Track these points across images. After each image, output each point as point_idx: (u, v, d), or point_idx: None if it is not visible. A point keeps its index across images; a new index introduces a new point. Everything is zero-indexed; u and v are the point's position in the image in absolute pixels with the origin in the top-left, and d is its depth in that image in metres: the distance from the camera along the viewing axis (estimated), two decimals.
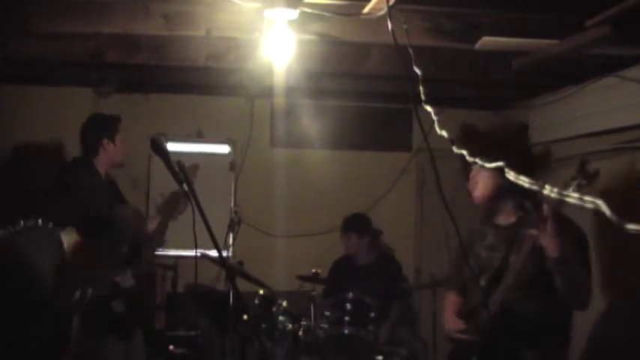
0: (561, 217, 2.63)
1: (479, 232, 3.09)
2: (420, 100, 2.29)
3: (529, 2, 3.12)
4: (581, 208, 1.44)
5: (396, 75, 3.98)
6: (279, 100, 5.33)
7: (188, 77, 4.73)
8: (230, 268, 4.33)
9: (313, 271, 4.86)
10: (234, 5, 3.08)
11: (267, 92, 4.79)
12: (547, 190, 1.54)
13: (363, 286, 4.57)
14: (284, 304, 4.55)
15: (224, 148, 5.60)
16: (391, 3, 2.68)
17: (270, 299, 4.59)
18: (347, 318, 4.39)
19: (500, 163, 1.76)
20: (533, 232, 2.61)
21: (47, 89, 5.05)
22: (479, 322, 2.88)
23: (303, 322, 4.50)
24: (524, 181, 1.62)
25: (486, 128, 3.04)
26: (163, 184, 4.81)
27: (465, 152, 1.98)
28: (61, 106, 5.05)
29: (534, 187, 1.57)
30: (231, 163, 5.56)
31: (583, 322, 3.10)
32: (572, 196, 1.59)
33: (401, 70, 2.49)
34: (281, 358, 4.40)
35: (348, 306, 4.41)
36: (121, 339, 3.64)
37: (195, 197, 2.19)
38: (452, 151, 2.02)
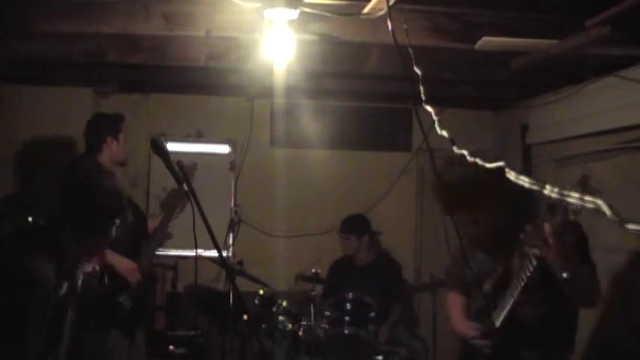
0: (564, 231, 2.58)
1: None
2: (420, 100, 2.29)
3: (529, 2, 3.12)
4: (582, 208, 1.44)
5: (396, 75, 3.98)
6: (279, 100, 5.33)
7: (188, 77, 4.73)
8: (230, 268, 4.33)
9: (313, 271, 4.86)
10: (234, 5, 3.07)
11: (267, 92, 4.79)
12: (547, 191, 1.53)
13: (363, 286, 4.57)
14: (284, 304, 4.55)
15: (224, 148, 5.60)
16: (391, 3, 2.68)
17: (270, 299, 4.59)
18: (347, 318, 4.40)
19: (500, 163, 1.75)
20: (536, 251, 2.58)
21: (47, 89, 5.05)
22: (487, 326, 2.86)
23: (303, 322, 4.51)
24: (524, 181, 1.62)
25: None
26: (163, 183, 4.84)
27: (465, 152, 1.98)
28: (62, 106, 5.05)
29: (534, 187, 1.57)
30: (231, 163, 5.56)
31: (583, 323, 3.08)
32: (572, 196, 1.58)
33: (401, 70, 2.48)
34: (281, 358, 4.41)
35: (348, 306, 4.42)
36: (126, 335, 3.65)
37: (195, 197, 2.19)
38: (452, 151, 2.02)
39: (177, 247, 4.77)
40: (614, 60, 3.77)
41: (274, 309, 4.51)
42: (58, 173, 3.88)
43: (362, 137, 5.80)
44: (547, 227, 2.50)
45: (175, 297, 5.00)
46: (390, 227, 5.48)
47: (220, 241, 2.44)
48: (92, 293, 3.50)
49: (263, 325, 4.46)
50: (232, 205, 5.31)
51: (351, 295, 4.45)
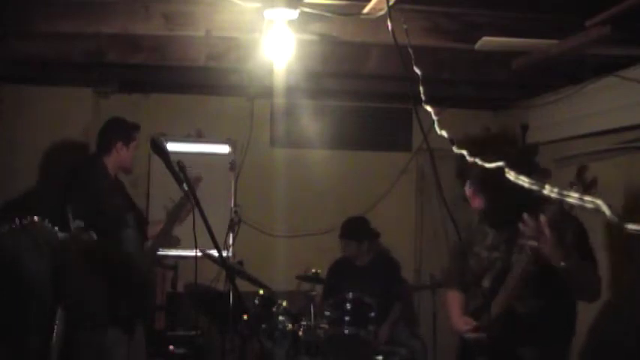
0: (560, 222, 2.60)
1: (479, 232, 3.08)
2: (420, 100, 2.29)
3: (529, 2, 3.12)
4: (581, 208, 1.44)
5: (396, 75, 3.97)
6: (279, 100, 5.33)
7: (188, 77, 4.73)
8: (230, 268, 4.33)
9: (313, 271, 4.87)
10: (234, 5, 3.07)
11: (267, 92, 4.79)
12: (547, 190, 1.53)
13: (363, 286, 4.57)
14: (284, 304, 4.55)
15: (224, 148, 5.60)
16: (391, 3, 2.68)
17: (270, 299, 4.60)
18: (347, 318, 4.40)
19: (500, 163, 1.76)
20: (533, 243, 2.59)
21: (47, 89, 5.04)
22: (485, 321, 2.86)
23: (303, 322, 4.51)
24: (524, 181, 1.62)
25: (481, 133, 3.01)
26: (163, 184, 4.83)
27: (464, 152, 1.98)
28: (62, 106, 5.04)
29: (534, 187, 1.57)
30: (231, 163, 5.56)
31: (583, 322, 3.08)
32: (572, 196, 1.58)
33: (401, 70, 2.48)
34: (281, 358, 4.41)
35: (348, 306, 4.42)
36: (125, 333, 3.64)
37: (195, 197, 2.19)
38: (452, 151, 2.02)
39: (177, 247, 4.76)
40: (614, 60, 3.77)
41: (274, 309, 4.51)
42: (60, 174, 3.88)
43: (362, 137, 5.80)
44: (542, 218, 2.52)
45: (175, 297, 4.99)
46: (390, 227, 5.48)
47: (220, 241, 2.43)
48: (89, 292, 3.49)
49: (263, 325, 4.46)
50: (232, 205, 5.30)
51: (351, 295, 4.45)
